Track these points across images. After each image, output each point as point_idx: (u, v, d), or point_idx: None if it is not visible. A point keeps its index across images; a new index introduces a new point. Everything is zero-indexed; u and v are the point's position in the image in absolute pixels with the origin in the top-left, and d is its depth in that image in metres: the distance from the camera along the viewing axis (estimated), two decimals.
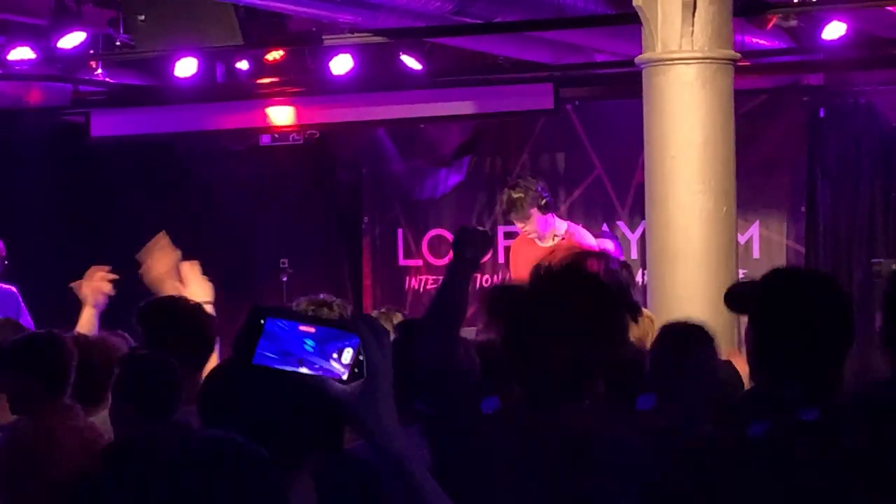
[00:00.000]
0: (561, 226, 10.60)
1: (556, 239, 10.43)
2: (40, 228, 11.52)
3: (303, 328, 2.77)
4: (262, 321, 2.77)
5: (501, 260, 12.11)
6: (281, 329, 2.75)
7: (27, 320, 8.98)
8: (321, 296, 5.97)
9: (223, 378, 3.39)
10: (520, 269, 10.46)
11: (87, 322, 7.53)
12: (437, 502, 2.80)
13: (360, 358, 2.76)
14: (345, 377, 2.76)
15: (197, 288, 6.87)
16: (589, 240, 10.59)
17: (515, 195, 10.50)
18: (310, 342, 2.78)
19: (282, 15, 9.97)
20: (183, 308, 6.07)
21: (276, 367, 2.76)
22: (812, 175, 12.10)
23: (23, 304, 9.93)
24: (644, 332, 6.62)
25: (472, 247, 5.20)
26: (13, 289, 9.48)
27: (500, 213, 11.65)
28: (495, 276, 12.66)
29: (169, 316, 6.01)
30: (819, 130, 12.09)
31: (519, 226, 10.65)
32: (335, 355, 2.76)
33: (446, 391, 4.79)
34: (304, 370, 2.76)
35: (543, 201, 10.45)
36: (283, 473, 2.91)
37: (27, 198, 12.76)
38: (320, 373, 2.76)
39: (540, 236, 10.48)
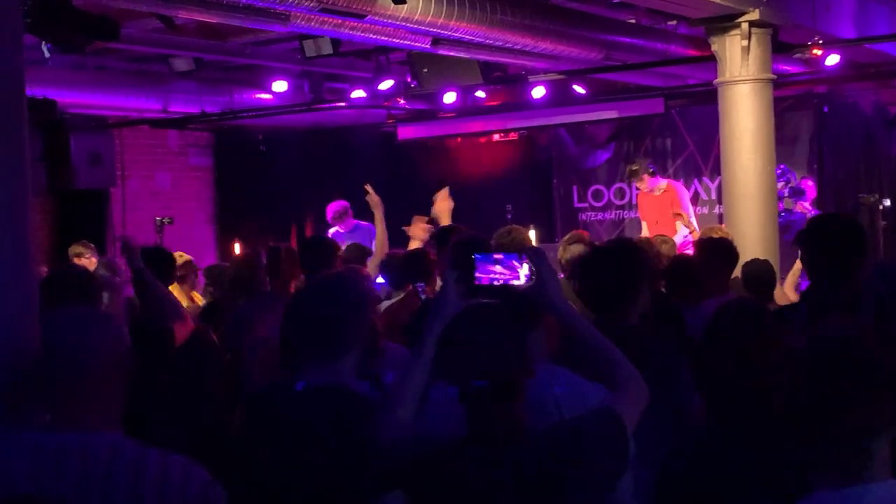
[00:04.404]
0: (663, 182, 10.38)
1: (661, 191, 10.26)
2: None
3: (496, 256, 2.67)
4: (473, 256, 2.69)
5: (635, 201, 11.84)
6: (483, 260, 2.66)
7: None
8: (508, 227, 5.66)
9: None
10: (644, 211, 10.49)
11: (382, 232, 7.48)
12: (604, 343, 2.65)
13: (532, 270, 2.66)
14: (527, 282, 2.66)
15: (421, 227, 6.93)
16: (682, 190, 10.45)
17: (633, 168, 10.43)
18: (499, 266, 2.66)
19: (504, 64, 10.02)
20: None
21: (488, 284, 2.66)
22: (820, 145, 11.84)
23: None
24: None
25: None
26: (370, 225, 9.23)
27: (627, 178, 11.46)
28: (630, 212, 12.59)
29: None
30: (824, 119, 11.83)
31: (637, 185, 10.50)
32: (518, 271, 2.65)
33: None
34: (503, 281, 2.66)
35: (651, 170, 10.31)
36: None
37: (361, 177, 12.88)
38: (515, 282, 2.66)
39: (651, 190, 10.30)
